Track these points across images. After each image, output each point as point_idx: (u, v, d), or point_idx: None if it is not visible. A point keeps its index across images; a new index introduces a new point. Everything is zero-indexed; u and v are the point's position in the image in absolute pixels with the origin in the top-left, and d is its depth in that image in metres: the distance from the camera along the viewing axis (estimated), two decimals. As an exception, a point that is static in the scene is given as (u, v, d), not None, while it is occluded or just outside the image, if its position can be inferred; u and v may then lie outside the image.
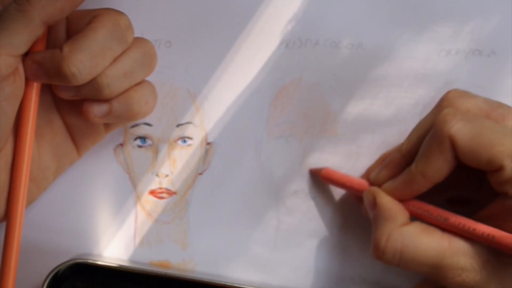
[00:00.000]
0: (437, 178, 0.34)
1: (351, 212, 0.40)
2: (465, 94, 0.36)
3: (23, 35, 0.33)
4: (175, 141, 0.41)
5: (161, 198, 0.41)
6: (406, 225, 0.35)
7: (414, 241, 0.34)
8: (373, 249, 0.35)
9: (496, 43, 0.40)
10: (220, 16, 0.40)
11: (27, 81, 0.35)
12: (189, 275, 0.39)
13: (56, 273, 0.38)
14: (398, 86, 0.40)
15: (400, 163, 0.37)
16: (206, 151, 0.41)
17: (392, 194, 0.36)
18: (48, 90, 0.37)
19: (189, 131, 0.41)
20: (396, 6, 0.40)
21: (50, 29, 0.35)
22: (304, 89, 0.40)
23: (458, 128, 0.33)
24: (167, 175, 0.41)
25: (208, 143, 0.41)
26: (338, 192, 0.40)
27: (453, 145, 0.33)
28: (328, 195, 0.40)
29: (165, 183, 0.41)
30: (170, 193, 0.41)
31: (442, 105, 0.36)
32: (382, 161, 0.39)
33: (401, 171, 0.36)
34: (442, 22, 0.40)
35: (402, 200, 0.36)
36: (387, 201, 0.36)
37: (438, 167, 0.34)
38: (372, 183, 0.38)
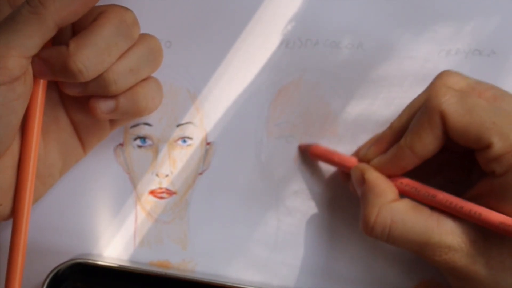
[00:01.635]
0: (425, 153, 0.35)
1: (351, 211, 0.40)
2: (458, 74, 0.36)
3: (36, 38, 0.32)
4: (175, 141, 0.41)
5: (161, 198, 0.41)
6: (395, 201, 0.35)
7: (403, 218, 0.34)
8: (362, 225, 0.35)
9: (496, 43, 0.40)
10: (220, 16, 0.40)
11: (34, 78, 0.35)
12: (189, 275, 0.39)
13: (56, 273, 0.38)
14: (399, 86, 0.40)
15: (390, 139, 0.37)
16: (206, 151, 0.41)
17: (381, 169, 0.36)
18: (54, 87, 0.37)
19: (189, 131, 0.41)
20: (396, 6, 0.40)
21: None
22: (304, 89, 0.40)
23: (450, 104, 0.33)
24: (167, 175, 0.41)
25: (208, 143, 0.41)
26: (338, 192, 0.40)
27: (444, 121, 0.33)
28: (328, 195, 0.40)
29: (165, 183, 0.41)
30: (170, 193, 0.41)
31: (435, 83, 0.36)
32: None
33: (390, 147, 0.36)
34: (442, 22, 0.40)
35: (390, 177, 0.36)
36: (375, 177, 0.36)
37: (427, 142, 0.34)
38: (361, 160, 0.38)
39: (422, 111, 0.34)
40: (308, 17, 0.40)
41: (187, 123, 0.41)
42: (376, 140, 0.38)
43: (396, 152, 0.36)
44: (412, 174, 0.36)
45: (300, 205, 0.40)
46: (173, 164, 0.41)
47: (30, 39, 0.32)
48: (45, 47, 0.34)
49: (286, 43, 0.40)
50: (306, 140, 0.40)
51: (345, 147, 0.40)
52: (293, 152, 0.40)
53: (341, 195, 0.40)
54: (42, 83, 0.35)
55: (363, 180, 0.37)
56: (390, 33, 0.40)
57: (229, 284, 0.39)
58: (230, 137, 0.40)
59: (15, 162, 0.36)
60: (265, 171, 0.40)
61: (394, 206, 0.35)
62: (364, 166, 0.37)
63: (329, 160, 0.39)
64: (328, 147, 0.40)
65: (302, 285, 0.40)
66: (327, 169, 0.40)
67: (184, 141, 0.41)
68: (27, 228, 0.36)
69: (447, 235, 0.34)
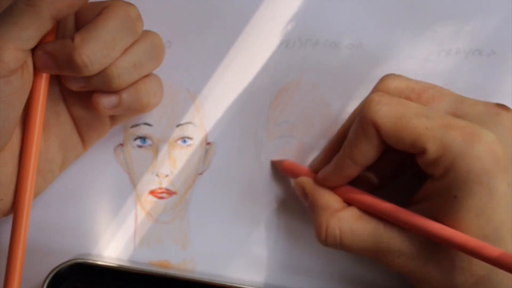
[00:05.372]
0: (365, 161, 0.35)
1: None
2: (398, 77, 0.36)
3: (32, 30, 0.32)
4: (175, 141, 0.41)
5: (161, 198, 0.41)
6: (341, 210, 0.35)
7: (351, 226, 0.35)
8: (317, 238, 0.36)
9: (496, 43, 0.40)
10: (220, 16, 0.40)
11: (36, 72, 0.35)
12: (189, 275, 0.39)
13: (56, 273, 0.38)
14: (398, 86, 0.40)
15: (334, 148, 0.37)
16: (206, 151, 0.41)
17: (325, 182, 0.37)
18: (55, 82, 0.37)
19: (189, 131, 0.41)
20: (396, 6, 0.40)
21: (59, 21, 0.35)
22: (304, 89, 0.40)
23: (382, 114, 0.33)
24: (167, 175, 0.41)
25: (208, 143, 0.41)
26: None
27: (377, 130, 0.33)
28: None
29: (165, 183, 0.41)
30: (170, 193, 0.41)
31: (375, 89, 0.36)
32: None
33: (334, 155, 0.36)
34: (442, 22, 0.40)
35: (336, 187, 0.36)
36: (316, 189, 0.37)
37: (365, 152, 0.34)
38: (313, 171, 0.38)
39: (356, 121, 0.34)
40: (308, 17, 0.40)
41: (187, 123, 0.41)
42: (324, 149, 0.39)
43: (337, 162, 0.36)
44: (375, 174, 0.37)
45: (300, 205, 0.40)
46: (173, 164, 0.41)
47: (26, 31, 0.32)
48: (49, 41, 0.34)
49: (286, 43, 0.40)
50: (306, 141, 0.40)
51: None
52: (293, 152, 0.40)
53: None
54: (45, 77, 0.35)
55: (305, 194, 0.37)
56: (390, 33, 0.40)
57: (229, 284, 0.39)
58: (230, 137, 0.40)
59: (15, 157, 0.36)
60: (265, 171, 0.40)
61: (341, 216, 0.35)
62: (303, 180, 0.38)
63: (292, 175, 0.39)
64: (296, 163, 0.39)
65: (302, 285, 0.40)
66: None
67: (184, 141, 0.41)
68: (27, 223, 0.36)
69: (395, 239, 0.34)
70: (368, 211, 0.35)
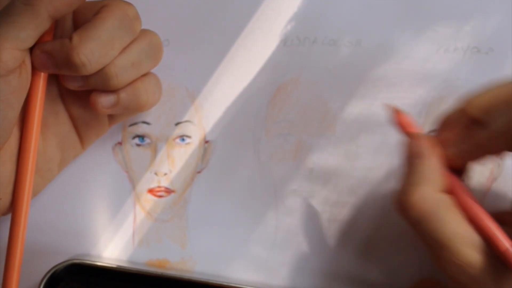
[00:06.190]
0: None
1: (351, 210, 0.40)
2: None
3: (30, 29, 0.32)
4: (174, 139, 0.41)
5: (160, 196, 0.40)
6: (441, 192, 0.33)
7: (441, 213, 0.32)
8: (399, 201, 0.33)
9: (494, 41, 0.40)
10: (219, 14, 0.40)
11: (35, 71, 0.35)
12: (187, 275, 0.39)
13: (53, 273, 0.38)
14: (398, 85, 0.40)
15: (467, 126, 0.34)
16: (205, 150, 0.41)
17: (455, 158, 0.34)
18: (53, 81, 0.37)
19: (188, 129, 0.41)
20: (396, 5, 0.40)
21: (57, 20, 0.35)
22: (302, 88, 0.40)
23: None
24: (165, 174, 0.40)
25: (207, 142, 0.41)
26: (337, 190, 0.40)
27: None
28: (327, 194, 0.40)
29: (164, 182, 0.41)
30: (168, 191, 0.41)
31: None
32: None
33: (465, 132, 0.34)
34: (442, 22, 0.40)
35: (448, 163, 0.34)
36: (432, 161, 0.34)
37: None
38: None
39: None
40: (307, 15, 0.40)
41: (185, 121, 0.41)
42: (449, 124, 0.35)
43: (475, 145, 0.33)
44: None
45: (299, 204, 0.40)
46: (171, 163, 0.40)
47: (24, 31, 0.32)
48: (47, 40, 0.34)
49: (285, 41, 0.40)
50: (304, 139, 0.40)
51: (344, 146, 0.40)
52: (292, 150, 0.40)
53: (340, 193, 0.40)
54: (42, 77, 0.35)
55: (421, 157, 0.34)
56: (388, 31, 0.40)
57: (228, 284, 0.39)
58: (229, 135, 0.40)
59: (14, 156, 0.36)
60: (264, 169, 0.40)
61: (439, 198, 0.33)
62: (426, 145, 0.34)
63: (405, 132, 0.35)
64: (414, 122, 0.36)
65: (301, 284, 0.40)
66: (326, 167, 0.40)
67: (183, 140, 0.41)
68: (26, 222, 0.36)
69: (470, 248, 0.32)
70: (460, 209, 0.33)
